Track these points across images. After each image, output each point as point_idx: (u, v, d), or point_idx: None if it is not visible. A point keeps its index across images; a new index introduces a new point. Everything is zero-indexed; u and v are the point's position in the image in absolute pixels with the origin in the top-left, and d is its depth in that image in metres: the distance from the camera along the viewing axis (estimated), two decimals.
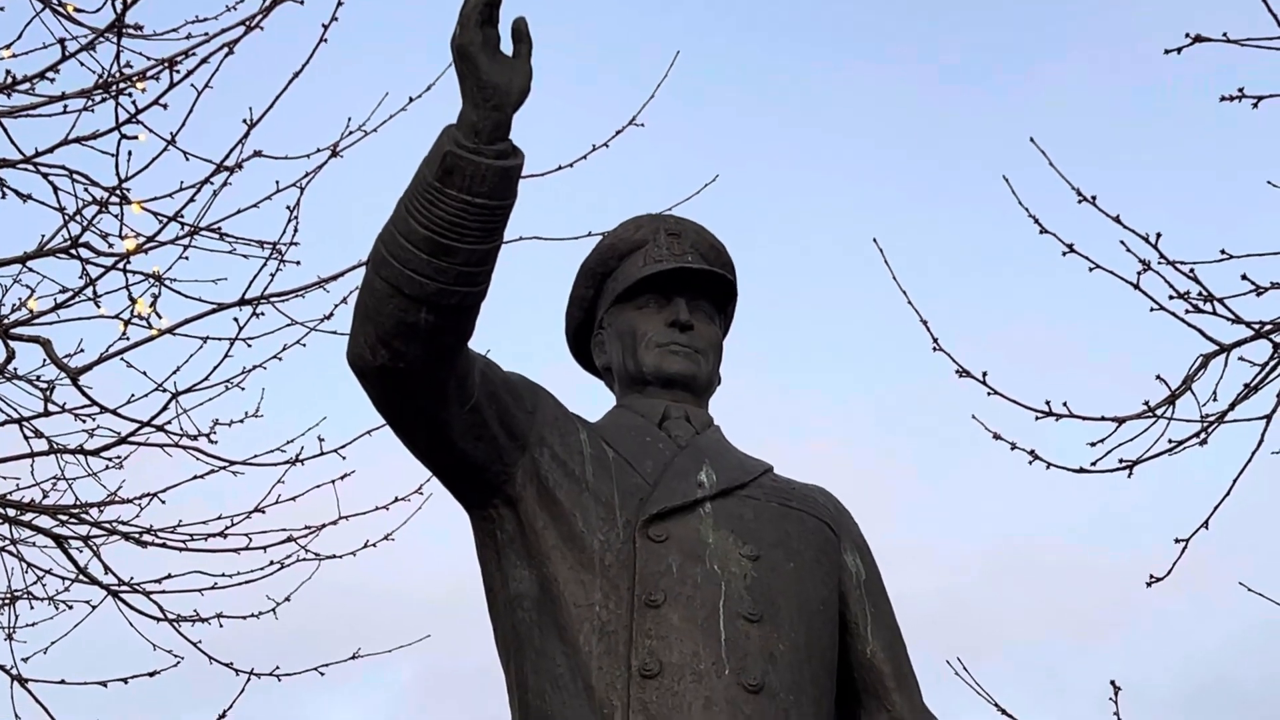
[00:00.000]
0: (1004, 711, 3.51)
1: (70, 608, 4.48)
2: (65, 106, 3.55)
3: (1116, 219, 3.30)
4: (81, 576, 4.24)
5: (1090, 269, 3.39)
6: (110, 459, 4.17)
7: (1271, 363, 3.37)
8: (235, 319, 3.86)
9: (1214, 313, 3.36)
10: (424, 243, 1.57)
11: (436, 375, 1.72)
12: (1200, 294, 3.35)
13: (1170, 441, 3.46)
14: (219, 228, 3.89)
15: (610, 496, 1.87)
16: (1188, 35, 3.14)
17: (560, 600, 1.79)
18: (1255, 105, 3.22)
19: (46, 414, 3.97)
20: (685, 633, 1.74)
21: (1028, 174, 3.40)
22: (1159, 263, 3.35)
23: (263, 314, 3.92)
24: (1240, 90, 3.24)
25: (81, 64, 3.58)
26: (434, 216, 1.56)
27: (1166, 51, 3.23)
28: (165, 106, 3.54)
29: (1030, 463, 3.45)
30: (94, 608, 4.40)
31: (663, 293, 2.06)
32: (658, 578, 1.78)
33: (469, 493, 1.93)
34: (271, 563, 4.29)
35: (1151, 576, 3.46)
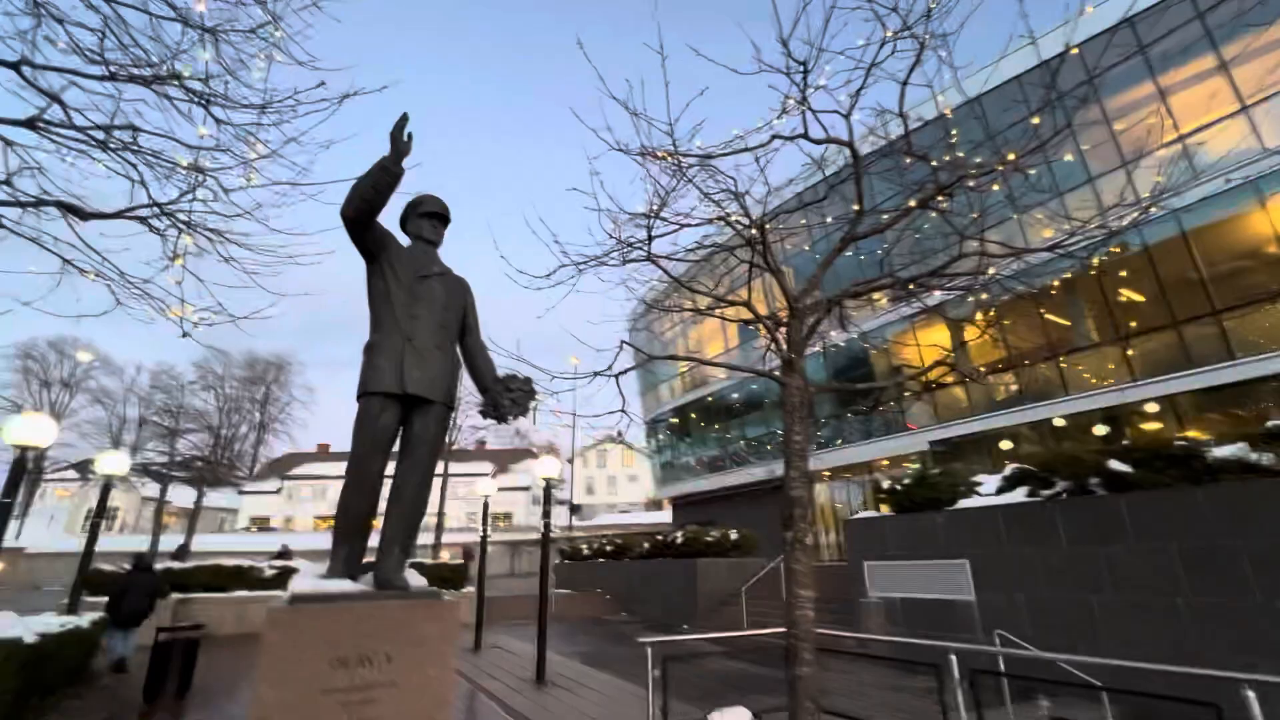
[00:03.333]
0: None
1: None
2: None
3: None
4: None
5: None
6: None
7: None
8: None
9: None
10: (369, 191, 6.44)
11: (366, 225, 6.63)
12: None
13: None
14: None
15: (408, 270, 6.84)
16: None
17: (389, 293, 6.73)
18: None
19: None
20: (425, 315, 6.78)
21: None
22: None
23: None
24: None
25: None
26: (375, 185, 6.42)
27: None
28: None
29: None
30: None
31: (429, 216, 7.20)
32: (419, 294, 6.81)
33: (367, 257, 6.80)
34: None
35: None
